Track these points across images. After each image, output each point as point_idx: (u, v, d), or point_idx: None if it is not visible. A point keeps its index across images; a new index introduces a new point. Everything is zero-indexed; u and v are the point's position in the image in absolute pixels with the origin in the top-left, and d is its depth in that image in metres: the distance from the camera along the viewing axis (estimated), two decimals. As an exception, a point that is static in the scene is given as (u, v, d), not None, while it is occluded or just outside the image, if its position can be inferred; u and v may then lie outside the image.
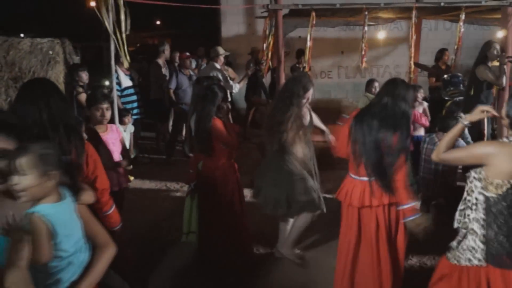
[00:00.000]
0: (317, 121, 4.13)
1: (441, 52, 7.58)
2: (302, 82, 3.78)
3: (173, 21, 23.60)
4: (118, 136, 3.89)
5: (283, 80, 6.56)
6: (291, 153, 3.75)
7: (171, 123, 7.72)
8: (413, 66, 6.91)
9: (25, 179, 1.71)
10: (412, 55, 6.82)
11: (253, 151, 7.32)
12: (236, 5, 10.00)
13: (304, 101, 3.80)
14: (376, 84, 6.53)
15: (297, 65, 8.86)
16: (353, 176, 3.08)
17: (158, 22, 27.62)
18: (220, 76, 6.20)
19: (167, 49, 7.22)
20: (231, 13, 10.20)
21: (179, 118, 7.12)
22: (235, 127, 3.84)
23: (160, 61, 7.32)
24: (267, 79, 9.17)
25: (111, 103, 3.81)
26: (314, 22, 6.45)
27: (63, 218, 1.82)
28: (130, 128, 6.13)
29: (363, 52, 6.57)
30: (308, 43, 6.32)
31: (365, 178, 2.98)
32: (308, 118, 3.97)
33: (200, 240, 3.89)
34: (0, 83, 4.89)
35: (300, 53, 8.92)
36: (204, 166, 3.78)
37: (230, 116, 3.93)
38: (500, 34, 6.92)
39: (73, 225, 1.89)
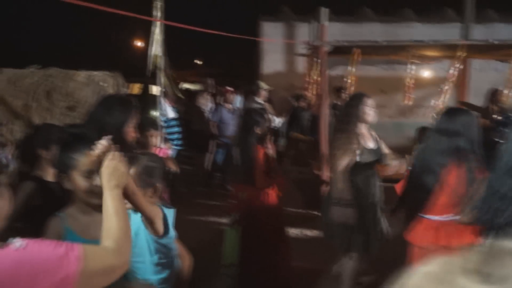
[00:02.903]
0: (386, 149, 3.77)
1: (494, 92, 7.30)
2: (356, 96, 3.60)
3: (213, 61, 24.31)
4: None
5: (326, 117, 6.52)
6: (345, 184, 3.43)
7: (209, 156, 7.80)
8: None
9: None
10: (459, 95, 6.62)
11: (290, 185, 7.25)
12: (276, 38, 10.17)
13: (363, 116, 3.49)
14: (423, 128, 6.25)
15: (337, 102, 8.83)
16: (427, 216, 2.85)
17: (198, 62, 28.48)
18: (261, 110, 6.25)
19: (211, 83, 7.41)
20: (271, 50, 10.37)
21: (219, 150, 7.20)
22: (273, 160, 3.81)
23: (204, 94, 7.51)
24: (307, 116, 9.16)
25: (159, 130, 3.91)
26: (358, 60, 6.46)
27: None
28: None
29: (407, 90, 6.47)
30: (349, 80, 6.29)
31: (441, 217, 2.77)
32: (371, 144, 3.59)
33: (240, 272, 3.82)
34: (57, 111, 5.15)
35: (339, 90, 8.95)
36: (248, 196, 3.75)
37: (271, 144, 3.89)
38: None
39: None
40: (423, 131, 6.15)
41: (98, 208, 1.72)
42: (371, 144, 3.57)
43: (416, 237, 2.84)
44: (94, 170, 1.67)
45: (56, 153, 1.82)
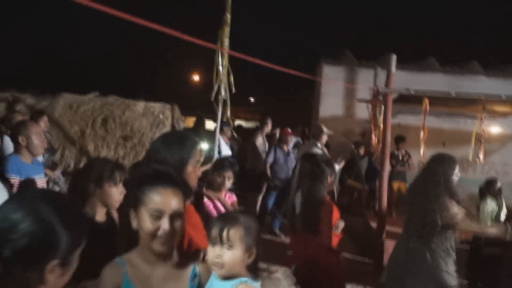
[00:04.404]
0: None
1: None
2: (448, 161, 3.42)
3: (267, 99, 24.42)
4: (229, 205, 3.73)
5: (387, 166, 6.21)
6: (444, 251, 3.28)
7: (260, 197, 7.51)
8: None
9: (231, 253, 1.56)
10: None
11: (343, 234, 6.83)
12: (336, 80, 9.97)
13: (450, 184, 3.35)
14: (499, 184, 5.74)
15: (395, 152, 8.42)
16: None
17: (252, 99, 28.74)
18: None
19: (269, 123, 7.20)
20: (330, 93, 10.17)
21: (271, 193, 6.91)
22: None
23: (261, 133, 7.31)
24: (364, 164, 8.79)
25: (235, 174, 3.70)
26: (425, 109, 6.09)
27: None
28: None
29: (480, 146, 6.03)
30: (422, 132, 5.92)
31: None
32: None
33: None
34: (112, 140, 5.06)
35: (399, 140, 8.56)
36: (307, 248, 3.43)
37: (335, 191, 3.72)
38: None
39: None
40: (492, 184, 5.67)
41: (162, 257, 1.56)
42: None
43: None
44: (164, 211, 1.52)
45: (133, 187, 1.66)
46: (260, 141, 7.28)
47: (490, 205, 5.37)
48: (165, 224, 1.52)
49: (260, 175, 7.14)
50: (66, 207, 1.20)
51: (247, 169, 7.37)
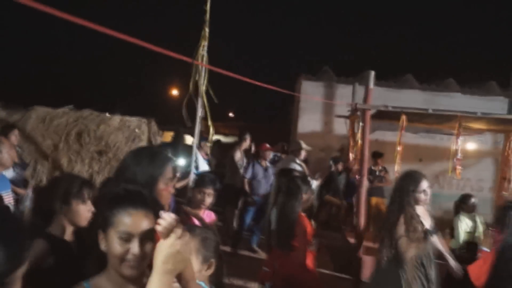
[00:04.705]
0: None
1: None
2: (413, 177, 3.42)
3: (246, 115, 24.46)
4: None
5: (365, 181, 6.24)
6: (408, 266, 3.23)
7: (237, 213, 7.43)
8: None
9: None
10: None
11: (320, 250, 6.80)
12: (315, 96, 9.99)
13: (420, 197, 3.35)
14: (473, 200, 5.79)
15: (372, 168, 8.46)
16: None
17: (231, 114, 28.74)
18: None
19: (248, 138, 7.15)
20: (309, 109, 10.19)
21: (249, 208, 6.85)
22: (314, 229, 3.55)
23: (240, 148, 7.25)
24: (342, 180, 8.82)
25: (216, 190, 3.60)
26: (403, 126, 6.14)
27: None
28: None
29: (455, 161, 6.09)
30: (398, 148, 5.96)
31: None
32: (429, 222, 3.47)
33: None
34: (86, 155, 4.93)
35: (377, 155, 8.62)
36: (282, 265, 3.40)
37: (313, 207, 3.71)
38: None
39: None
40: (467, 199, 5.74)
41: (132, 281, 1.50)
42: (428, 223, 3.42)
43: None
44: (134, 234, 1.45)
45: (102, 207, 1.61)
46: (239, 156, 7.22)
47: (464, 221, 5.42)
48: (134, 247, 1.45)
49: (238, 191, 7.08)
50: None
51: (225, 184, 7.28)
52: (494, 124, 7.18)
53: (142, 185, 1.84)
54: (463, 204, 5.69)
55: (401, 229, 3.23)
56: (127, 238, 1.46)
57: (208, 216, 3.63)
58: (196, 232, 1.59)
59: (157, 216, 1.45)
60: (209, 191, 3.45)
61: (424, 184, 3.39)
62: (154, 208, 1.52)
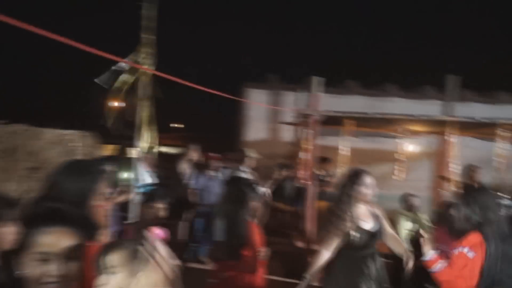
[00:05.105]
0: (389, 230, 3.63)
1: (473, 169, 7.24)
2: (355, 172, 3.44)
3: (193, 125, 24.21)
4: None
5: (313, 187, 6.30)
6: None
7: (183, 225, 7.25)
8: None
9: (114, 278, 1.41)
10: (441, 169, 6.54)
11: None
12: (262, 102, 9.99)
13: (362, 191, 3.34)
14: (414, 199, 6.00)
15: (320, 173, 8.55)
16: None
17: (177, 125, 28.37)
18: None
19: (194, 149, 6.99)
20: (255, 117, 10.20)
21: (198, 219, 6.71)
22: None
23: (187, 159, 7.08)
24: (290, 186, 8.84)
25: (168, 204, 3.41)
26: (349, 131, 6.25)
27: None
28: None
29: (399, 164, 6.26)
30: (343, 152, 6.05)
31: None
32: (369, 223, 3.44)
33: None
34: (17, 172, 4.61)
35: (323, 160, 8.73)
36: (232, 276, 3.30)
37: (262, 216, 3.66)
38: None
39: None
40: (403, 203, 6.10)
41: None
42: (368, 224, 3.41)
43: None
44: (52, 254, 1.35)
45: (21, 228, 1.47)
46: (185, 167, 7.05)
47: (404, 220, 5.61)
48: (52, 268, 1.34)
49: (184, 202, 6.92)
50: None
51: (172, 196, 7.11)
52: (430, 126, 7.51)
53: (72, 201, 1.68)
54: (404, 204, 5.93)
55: (329, 224, 3.33)
56: (44, 258, 1.35)
57: (161, 235, 3.45)
58: (123, 245, 1.47)
59: (87, 233, 1.36)
60: (160, 205, 3.29)
61: (367, 179, 3.37)
62: (79, 225, 1.40)
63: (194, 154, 7.06)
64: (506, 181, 6.86)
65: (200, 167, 7.39)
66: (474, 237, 2.66)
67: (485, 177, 7.26)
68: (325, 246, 3.28)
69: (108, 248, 1.47)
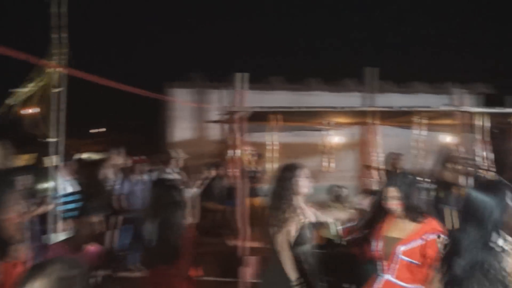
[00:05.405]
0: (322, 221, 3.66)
1: (394, 156, 7.59)
2: (290, 166, 3.40)
3: (116, 127, 23.29)
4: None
5: (244, 184, 6.27)
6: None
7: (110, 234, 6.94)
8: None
9: None
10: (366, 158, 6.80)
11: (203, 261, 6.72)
12: (186, 101, 9.80)
13: (299, 185, 3.33)
14: (341, 190, 6.22)
15: (251, 169, 8.56)
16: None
17: (99, 130, 27.22)
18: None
19: (118, 152, 6.70)
20: (180, 117, 9.99)
21: (127, 226, 6.44)
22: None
23: (111, 164, 6.76)
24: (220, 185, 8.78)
25: (105, 217, 3.16)
26: (276, 126, 6.29)
27: None
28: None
29: (326, 156, 6.42)
30: (271, 147, 6.08)
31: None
32: (311, 216, 3.48)
33: None
34: None
35: (254, 157, 8.75)
36: (166, 281, 3.18)
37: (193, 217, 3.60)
38: (450, 138, 7.17)
39: None
40: (330, 195, 6.28)
41: None
42: (309, 217, 3.44)
43: None
44: None
45: None
46: (111, 173, 6.75)
47: (332, 211, 5.79)
48: None
49: (111, 209, 6.62)
50: None
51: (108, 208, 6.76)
52: (353, 117, 7.77)
53: None
54: (331, 195, 6.13)
55: (274, 219, 3.25)
56: None
57: (95, 250, 3.21)
58: (46, 271, 1.29)
59: None
60: (96, 219, 3.09)
61: (304, 172, 3.36)
62: None
63: (118, 158, 6.78)
64: (425, 166, 7.26)
65: (125, 171, 7.11)
66: None
67: (406, 163, 7.67)
68: (279, 245, 3.20)
69: (28, 275, 1.30)
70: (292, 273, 3.13)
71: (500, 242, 2.05)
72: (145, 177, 7.00)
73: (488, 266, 2.00)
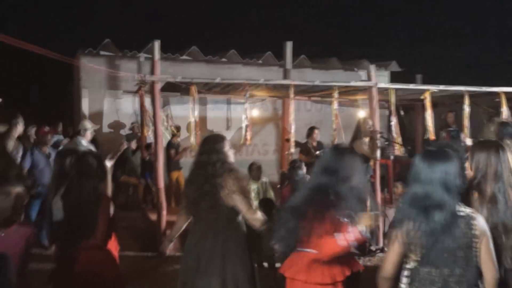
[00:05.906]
0: None
1: (311, 130, 7.78)
2: (217, 137, 3.30)
3: (19, 100, 21.46)
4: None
5: (161, 157, 6.08)
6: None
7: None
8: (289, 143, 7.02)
9: None
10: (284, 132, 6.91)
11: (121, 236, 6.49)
12: (99, 73, 9.16)
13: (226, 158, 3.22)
14: (257, 166, 6.34)
15: (172, 142, 8.37)
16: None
17: None
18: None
19: (20, 123, 6.12)
20: (92, 87, 9.36)
21: (33, 202, 5.97)
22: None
23: (12, 136, 6.17)
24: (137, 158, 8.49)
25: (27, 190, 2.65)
26: (194, 97, 6.10)
27: None
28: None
29: (246, 129, 6.39)
30: (193, 119, 5.93)
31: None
32: None
33: None
34: None
35: (175, 129, 8.60)
36: (81, 256, 2.93)
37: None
38: (363, 113, 7.49)
39: None
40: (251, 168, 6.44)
41: None
42: None
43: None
44: None
45: None
46: (12, 145, 6.17)
47: (251, 187, 5.89)
48: None
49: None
50: None
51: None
52: (272, 91, 7.81)
53: None
54: (250, 173, 6.21)
55: (227, 180, 3.09)
56: None
57: (24, 231, 2.54)
58: None
59: None
60: (19, 189, 2.47)
61: (228, 143, 3.27)
62: None
63: (21, 130, 6.20)
64: (342, 139, 7.53)
65: (29, 143, 6.57)
66: None
67: (324, 136, 7.89)
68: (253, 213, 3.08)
69: None
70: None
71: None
72: (51, 149, 6.53)
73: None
